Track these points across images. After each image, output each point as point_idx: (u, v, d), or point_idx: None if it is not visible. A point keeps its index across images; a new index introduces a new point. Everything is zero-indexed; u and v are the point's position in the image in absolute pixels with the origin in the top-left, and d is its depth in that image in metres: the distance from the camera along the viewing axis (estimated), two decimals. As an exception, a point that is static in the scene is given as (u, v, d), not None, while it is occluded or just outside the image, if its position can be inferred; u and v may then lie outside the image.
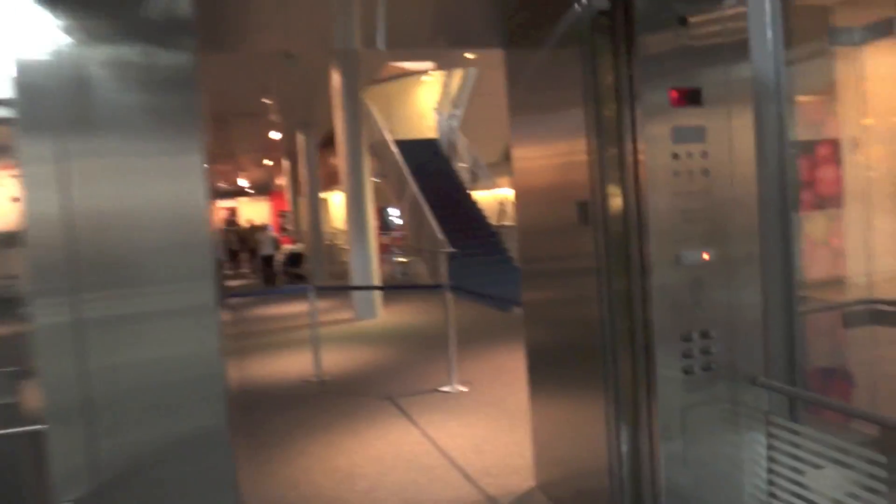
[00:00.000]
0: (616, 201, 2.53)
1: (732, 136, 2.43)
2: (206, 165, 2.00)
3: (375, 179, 14.06)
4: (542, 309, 3.29)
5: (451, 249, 11.90)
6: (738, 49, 2.42)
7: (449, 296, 5.80)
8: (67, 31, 1.79)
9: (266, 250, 16.47)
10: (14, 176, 1.77)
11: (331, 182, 18.26)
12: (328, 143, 16.08)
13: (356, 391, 5.80)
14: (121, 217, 1.85)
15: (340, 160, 10.39)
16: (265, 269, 16.55)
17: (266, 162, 24.75)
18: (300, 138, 17.52)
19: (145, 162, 1.91)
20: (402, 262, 15.29)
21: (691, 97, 2.36)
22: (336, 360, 7.09)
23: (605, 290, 2.61)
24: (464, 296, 6.52)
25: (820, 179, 4.27)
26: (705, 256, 2.41)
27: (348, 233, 10.49)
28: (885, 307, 3.90)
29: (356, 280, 10.16)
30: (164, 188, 1.92)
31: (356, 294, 10.10)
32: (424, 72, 17.24)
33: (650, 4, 2.32)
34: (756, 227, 2.48)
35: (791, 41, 2.64)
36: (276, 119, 15.46)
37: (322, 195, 19.43)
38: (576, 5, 2.54)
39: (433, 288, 10.07)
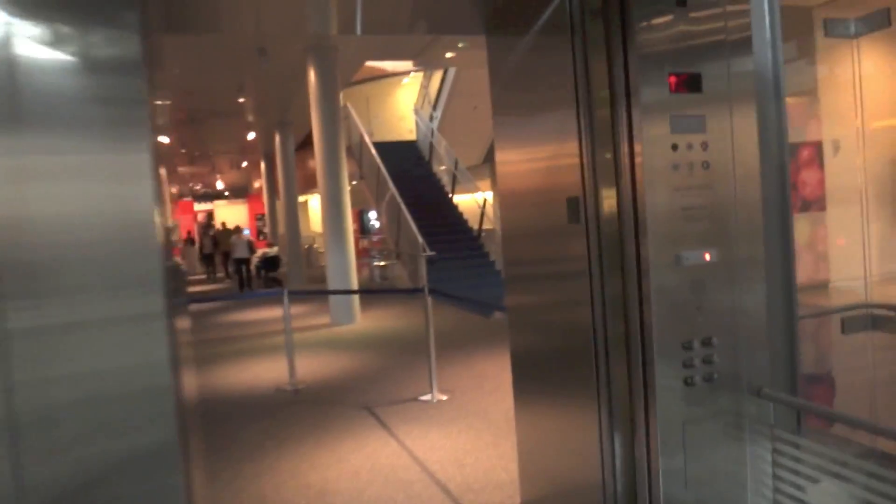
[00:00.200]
0: (610, 197, 2.33)
1: (734, 129, 2.25)
2: (155, 164, 1.76)
3: (353, 182, 13.84)
4: (528, 314, 3.09)
5: (431, 253, 11.69)
6: (740, 41, 2.24)
7: (429, 300, 5.58)
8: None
9: (240, 253, 16.13)
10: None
11: (309, 184, 17.99)
12: (306, 144, 15.82)
13: (332, 400, 5.55)
14: (52, 221, 1.60)
15: (318, 162, 10.13)
16: (239, 273, 16.21)
17: (243, 164, 24.36)
18: (277, 139, 17.22)
19: (82, 159, 1.66)
20: (381, 266, 15.04)
21: (691, 83, 2.17)
22: (311, 367, 6.83)
23: (599, 292, 2.41)
24: (444, 300, 6.32)
25: (803, 182, 4.14)
26: (707, 257, 2.22)
27: (325, 236, 10.23)
28: (886, 312, 3.76)
29: (333, 284, 9.89)
30: (104, 190, 1.68)
31: (333, 298, 9.84)
32: (405, 73, 17.06)
33: (647, -16, 2.13)
34: (760, 226, 2.29)
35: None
36: (253, 119, 15.15)
37: (300, 198, 19.16)
38: (564, -14, 2.34)
39: (412, 292, 9.85)
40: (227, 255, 18.28)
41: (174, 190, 28.81)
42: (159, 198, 1.86)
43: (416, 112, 16.51)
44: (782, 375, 2.46)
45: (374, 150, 14.26)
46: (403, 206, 12.85)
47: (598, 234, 2.39)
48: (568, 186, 2.53)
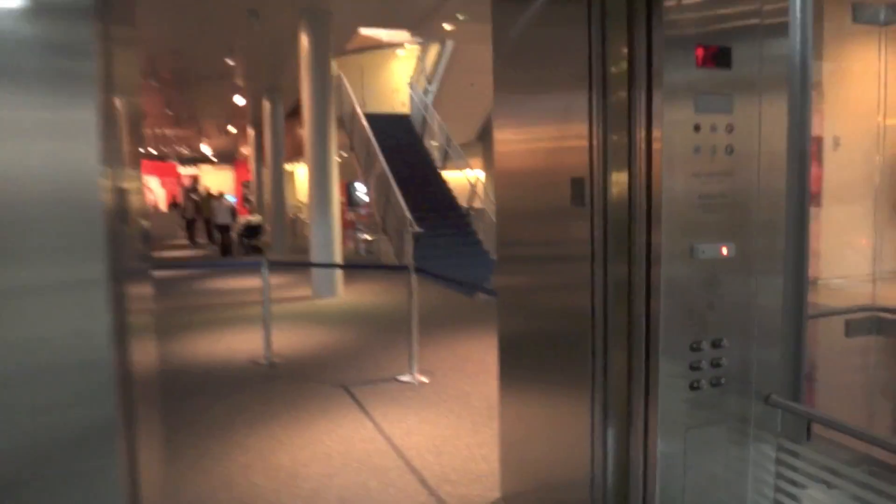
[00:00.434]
0: (620, 179, 2.12)
1: (762, 113, 2.05)
2: (106, 122, 1.53)
3: (343, 153, 13.54)
4: (521, 296, 2.89)
5: (418, 229, 11.47)
6: (776, 24, 2.03)
7: (414, 278, 5.38)
8: None
9: (222, 219, 15.80)
10: None
11: (297, 153, 17.63)
12: (296, 112, 15.46)
13: (308, 376, 5.35)
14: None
15: (306, 130, 9.84)
16: (221, 240, 15.91)
17: (230, 129, 23.87)
18: (266, 105, 16.82)
19: (18, 114, 1.43)
20: (367, 240, 14.80)
21: (720, 58, 1.96)
22: (289, 340, 6.63)
23: (601, 279, 2.22)
24: (428, 278, 6.11)
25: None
26: (724, 251, 2.02)
27: (311, 207, 9.97)
28: (889, 315, 3.61)
29: (317, 256, 9.66)
30: (43, 148, 1.45)
31: (316, 271, 9.61)
32: (399, 45, 16.67)
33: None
34: (782, 221, 2.11)
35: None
36: (242, 83, 14.74)
37: (287, 167, 18.81)
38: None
39: (397, 268, 9.64)
40: (209, 222, 17.92)
41: (154, 152, 28.27)
42: (116, 158, 1.64)
43: (411, 86, 16.16)
44: (787, 379, 2.29)
45: (365, 122, 13.94)
46: (393, 181, 12.59)
47: (603, 218, 2.20)
48: (573, 167, 2.33)
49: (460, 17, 10.16)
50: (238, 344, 6.55)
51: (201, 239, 19.88)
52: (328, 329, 7.29)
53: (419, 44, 15.95)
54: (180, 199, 26.07)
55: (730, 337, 2.09)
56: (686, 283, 2.01)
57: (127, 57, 1.99)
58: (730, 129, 2.01)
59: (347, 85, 14.75)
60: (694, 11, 1.95)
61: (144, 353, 2.07)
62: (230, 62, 12.05)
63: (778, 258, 2.13)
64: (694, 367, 2.05)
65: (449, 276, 6.25)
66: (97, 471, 1.56)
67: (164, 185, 31.57)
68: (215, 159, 32.08)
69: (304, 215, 17.53)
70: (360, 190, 19.56)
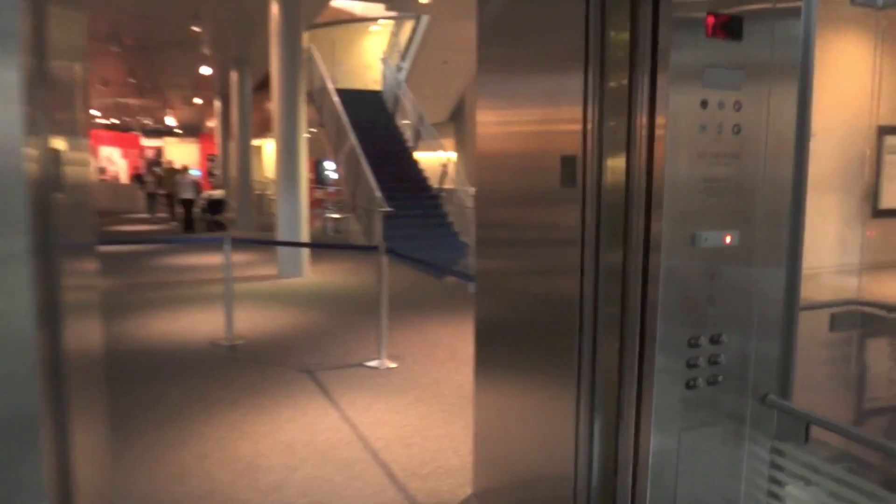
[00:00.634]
0: (617, 157, 1.95)
1: (771, 94, 1.88)
2: (31, 86, 1.32)
3: (312, 129, 13.18)
4: (501, 282, 2.72)
5: (388, 209, 11.23)
6: (789, 7, 1.87)
7: (385, 260, 5.17)
8: None
9: (185, 194, 15.33)
10: None
11: (265, 128, 17.17)
12: (264, 85, 15.00)
13: (271, 360, 5.12)
14: None
15: (275, 104, 9.49)
16: (185, 215, 15.45)
17: (196, 101, 23.17)
18: (234, 77, 16.30)
19: None
20: (335, 219, 14.50)
21: (731, 28, 1.79)
22: (251, 321, 6.37)
23: (591, 264, 2.05)
24: (398, 259, 5.90)
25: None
26: (727, 240, 1.87)
27: (278, 183, 9.65)
28: (875, 310, 3.53)
29: (283, 234, 9.36)
30: None
31: (282, 249, 9.32)
32: (373, 20, 16.29)
33: None
34: (786, 209, 1.95)
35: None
36: (209, 53, 14.22)
37: (255, 142, 18.33)
38: None
39: (366, 249, 9.41)
40: (171, 196, 17.37)
41: (116, 122, 27.37)
42: (50, 126, 1.43)
43: (384, 62, 15.80)
44: (781, 378, 2.16)
45: (336, 98, 13.58)
46: (363, 159, 12.30)
47: (597, 200, 2.02)
48: (563, 146, 2.15)
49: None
50: (198, 324, 6.28)
51: (163, 213, 19.32)
52: (293, 310, 7.05)
53: (393, 19, 15.59)
54: (143, 171, 25.32)
55: (729, 332, 1.94)
56: (686, 273, 1.85)
57: (68, 16, 1.76)
58: (738, 106, 1.84)
59: (318, 59, 14.34)
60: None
61: (84, 335, 1.85)
62: (196, 29, 11.57)
63: (780, 249, 1.98)
64: (691, 365, 1.89)
65: (420, 258, 6.06)
66: (17, 462, 1.37)
67: (126, 156, 30.66)
68: (180, 132, 31.20)
69: (270, 192, 17.13)
70: (329, 167, 19.19)
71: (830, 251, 3.69)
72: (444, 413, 3.99)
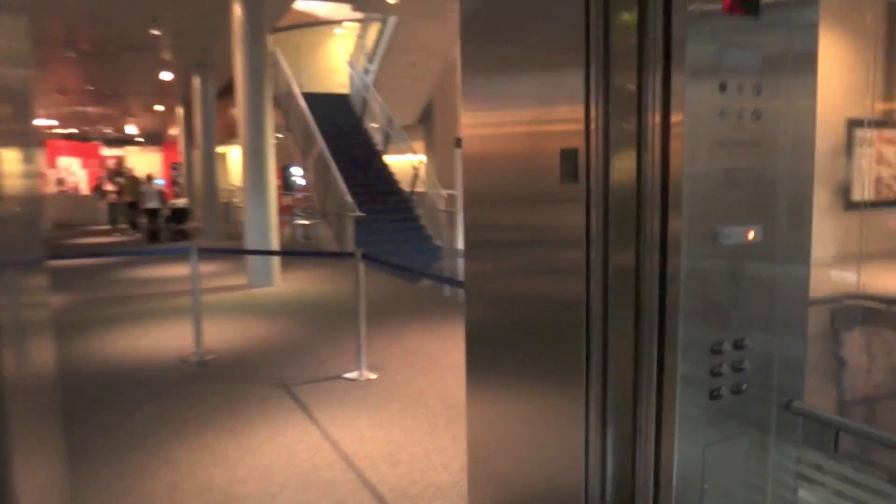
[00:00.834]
0: (626, 147, 1.78)
1: (789, 78, 1.73)
2: None
3: (279, 135, 12.87)
4: (495, 285, 2.52)
5: (360, 213, 10.99)
6: None
7: (361, 265, 4.95)
8: None
9: (150, 203, 14.89)
10: None
11: (230, 135, 16.76)
12: (228, 91, 14.64)
13: (243, 376, 4.86)
14: None
15: (240, 110, 9.20)
16: (150, 225, 14.99)
17: (158, 108, 22.59)
18: (196, 83, 15.88)
19: None
20: (305, 225, 14.19)
21: (747, 1, 1.63)
22: (222, 334, 6.09)
23: (599, 265, 1.87)
24: (370, 265, 5.69)
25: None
26: (750, 235, 1.71)
27: (245, 190, 9.35)
28: (876, 304, 3.42)
29: (252, 242, 9.06)
30: None
31: (252, 258, 9.02)
32: (338, 23, 16.03)
33: None
34: (810, 199, 1.81)
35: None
36: (170, 58, 13.81)
37: (219, 148, 17.91)
38: None
39: (340, 255, 9.17)
40: (133, 206, 16.85)
41: (75, 131, 26.59)
42: None
43: (351, 65, 15.55)
44: (800, 381, 2.01)
45: (303, 102, 13.29)
46: (332, 163, 12.05)
47: (603, 196, 1.84)
48: (563, 140, 1.97)
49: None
50: (165, 340, 5.97)
51: (125, 224, 18.74)
52: (266, 321, 6.78)
53: (358, 21, 15.35)
54: (104, 181, 24.59)
55: (752, 336, 1.78)
56: (708, 272, 1.68)
57: (9, 22, 1.54)
58: (757, 90, 1.68)
59: (283, 63, 14.03)
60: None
61: (30, 355, 1.62)
62: (155, 33, 11.19)
63: (802, 244, 1.83)
64: (715, 373, 1.72)
65: (395, 263, 5.85)
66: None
67: (86, 167, 29.81)
68: (142, 140, 30.47)
69: (237, 199, 16.75)
70: (298, 173, 18.85)
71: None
72: (430, 426, 3.79)
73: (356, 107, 15.04)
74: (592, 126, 1.83)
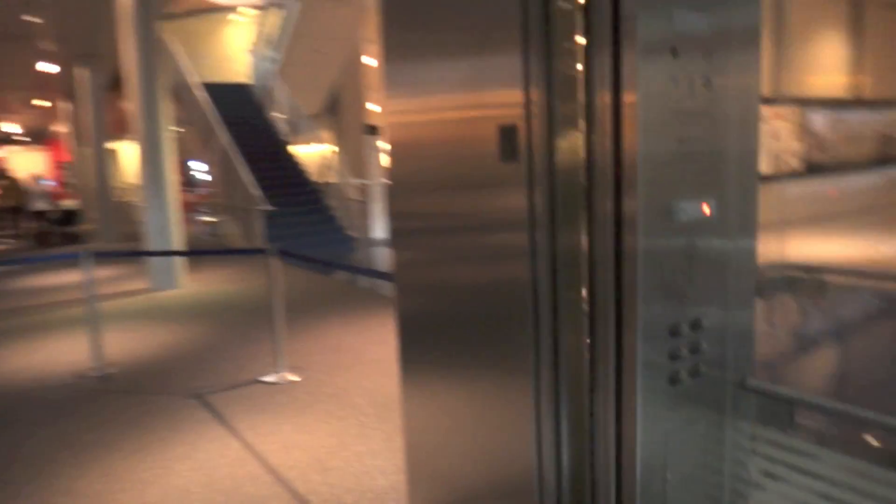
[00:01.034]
0: (571, 126, 1.64)
1: (734, 43, 1.65)
2: None
3: (179, 128, 12.15)
4: (428, 273, 2.35)
5: (269, 207, 10.55)
6: None
7: (274, 262, 4.66)
8: None
9: (37, 206, 13.78)
10: None
11: (122, 129, 15.72)
12: (119, 83, 13.69)
13: (151, 388, 4.48)
14: None
15: (133, 103, 8.57)
16: (39, 228, 13.88)
17: (42, 103, 20.92)
18: (82, 75, 14.76)
19: None
20: (211, 222, 13.53)
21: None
22: (125, 344, 5.62)
23: (546, 248, 1.74)
24: (283, 260, 5.40)
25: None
26: (706, 209, 1.61)
27: (143, 188, 8.75)
28: (800, 274, 3.48)
29: (152, 243, 8.49)
30: None
31: (154, 260, 8.45)
32: (233, 9, 15.30)
33: None
34: (758, 175, 1.74)
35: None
36: (50, 47, 12.73)
37: (112, 145, 16.80)
38: None
39: (250, 252, 8.74)
40: (16, 210, 15.54)
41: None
42: None
43: (253, 53, 14.89)
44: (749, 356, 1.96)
45: (202, 93, 12.60)
46: (237, 156, 11.50)
47: (548, 174, 1.71)
48: (501, 115, 1.82)
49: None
50: (59, 355, 5.44)
51: (7, 230, 17.28)
52: (173, 327, 6.32)
53: (257, 7, 14.71)
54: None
55: (708, 315, 1.69)
56: (663, 250, 1.58)
57: None
58: (707, 53, 1.58)
59: (177, 52, 13.25)
60: None
61: None
62: (32, 19, 10.26)
63: (752, 216, 1.76)
64: (673, 357, 1.63)
65: (309, 257, 5.57)
66: None
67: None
68: (26, 139, 28.25)
69: (134, 198, 15.76)
70: (201, 168, 17.97)
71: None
72: (360, 426, 3.59)
73: (260, 96, 14.44)
74: (534, 103, 1.69)
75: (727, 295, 1.74)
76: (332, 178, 12.87)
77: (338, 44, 13.89)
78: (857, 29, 10.74)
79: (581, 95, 1.61)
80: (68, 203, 14.16)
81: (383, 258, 10.55)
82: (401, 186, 2.43)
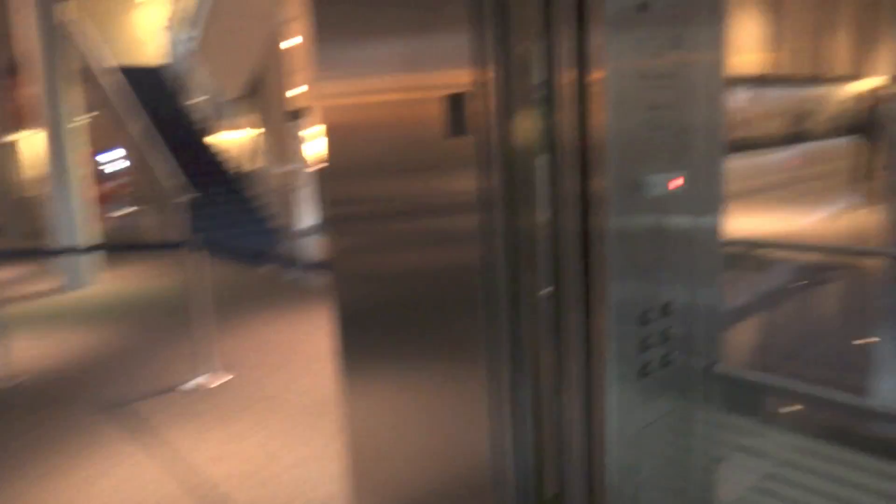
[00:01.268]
0: (527, 93, 1.47)
1: (703, 16, 1.52)
2: None
3: (88, 115, 11.38)
4: (369, 261, 2.14)
5: (189, 196, 10.03)
6: None
7: (196, 256, 4.33)
8: None
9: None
10: None
11: (21, 120, 14.63)
12: (15, 69, 12.69)
13: (63, 399, 4.09)
14: None
15: (33, 90, 7.93)
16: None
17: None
18: (-28, 60, 13.61)
19: None
20: (126, 215, 12.80)
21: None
22: (33, 351, 5.15)
23: (502, 230, 1.57)
24: (208, 252, 5.06)
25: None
26: (675, 184, 1.48)
27: (49, 181, 8.12)
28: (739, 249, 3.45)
29: (61, 239, 7.89)
30: None
31: (65, 258, 7.86)
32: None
33: None
34: (722, 141, 1.62)
35: None
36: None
37: (10, 137, 15.64)
38: None
39: (167, 246, 8.25)
40: None
41: None
42: None
43: (169, 34, 14.10)
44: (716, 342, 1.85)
45: (116, 77, 11.84)
46: (154, 143, 10.88)
47: (504, 150, 1.53)
48: (447, 81, 1.62)
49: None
50: (-44, 365, 4.93)
51: None
52: (88, 329, 5.85)
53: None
54: None
55: (677, 299, 1.56)
56: (634, 229, 1.43)
57: None
58: (674, 13, 1.44)
59: (88, 32, 12.37)
60: None
61: None
62: None
63: (718, 191, 1.64)
64: (644, 346, 1.49)
65: (235, 248, 5.25)
66: None
67: None
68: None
69: (38, 192, 14.75)
70: (116, 157, 16.99)
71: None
72: (297, 430, 3.36)
73: (178, 79, 13.71)
74: (488, 77, 1.50)
75: (694, 276, 1.62)
76: (257, 165, 12.37)
77: (258, 23, 13.30)
78: (775, 5, 11.07)
79: (542, 70, 1.45)
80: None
81: (311, 248, 10.21)
82: (338, 171, 2.20)
